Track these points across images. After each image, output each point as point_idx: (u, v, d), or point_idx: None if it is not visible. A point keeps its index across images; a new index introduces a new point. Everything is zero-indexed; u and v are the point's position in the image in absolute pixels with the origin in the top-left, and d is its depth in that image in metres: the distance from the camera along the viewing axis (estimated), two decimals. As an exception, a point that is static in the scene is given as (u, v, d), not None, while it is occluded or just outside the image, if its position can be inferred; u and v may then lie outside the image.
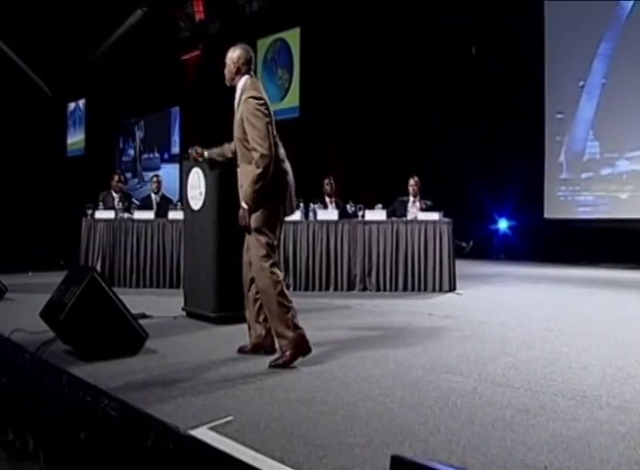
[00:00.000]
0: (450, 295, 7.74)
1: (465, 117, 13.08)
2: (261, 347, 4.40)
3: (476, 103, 13.04)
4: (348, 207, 8.47)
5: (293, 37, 16.57)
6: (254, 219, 4.20)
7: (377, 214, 8.23)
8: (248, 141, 4.25)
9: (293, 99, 16.37)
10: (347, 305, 6.83)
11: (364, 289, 8.00)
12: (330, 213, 8.37)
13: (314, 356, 4.22)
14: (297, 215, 8.24)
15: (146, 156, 20.66)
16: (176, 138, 19.53)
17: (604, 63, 12.38)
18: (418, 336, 5.12)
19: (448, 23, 13.37)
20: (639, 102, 11.74)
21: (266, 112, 4.29)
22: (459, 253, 9.41)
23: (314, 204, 8.49)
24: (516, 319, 5.95)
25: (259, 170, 4.13)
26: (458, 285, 8.03)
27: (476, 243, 11.71)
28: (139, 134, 20.94)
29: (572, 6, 12.57)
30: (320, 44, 15.47)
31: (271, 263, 4.19)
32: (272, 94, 16.91)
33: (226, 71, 4.53)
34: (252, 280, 4.36)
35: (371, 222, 8.08)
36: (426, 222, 8.05)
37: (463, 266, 9.26)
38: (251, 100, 4.29)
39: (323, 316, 6.13)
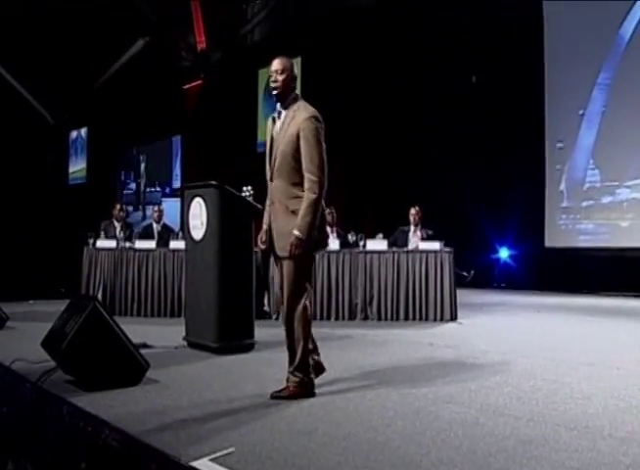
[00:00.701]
0: (451, 324, 7.73)
1: (466, 147, 13.16)
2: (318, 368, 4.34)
3: (476, 132, 13.13)
4: (350, 236, 8.49)
5: (294, 67, 16.70)
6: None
7: (378, 244, 8.25)
8: (298, 160, 4.02)
9: (293, 129, 16.46)
10: (349, 335, 6.82)
11: (365, 318, 8.00)
12: (331, 243, 8.37)
13: (316, 387, 4.20)
14: (297, 245, 8.27)
15: (148, 190, 20.75)
16: (177, 171, 19.64)
17: (603, 92, 12.50)
18: (419, 366, 5.11)
19: (449, 52, 13.53)
20: (638, 130, 11.83)
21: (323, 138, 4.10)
22: (460, 282, 9.43)
23: (315, 233, 8.50)
24: (517, 349, 5.94)
25: (315, 196, 3.97)
26: (459, 314, 8.02)
27: (477, 272, 11.74)
28: (142, 166, 21.04)
29: (572, 36, 12.72)
30: (321, 74, 15.61)
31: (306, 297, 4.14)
32: (273, 124, 17.02)
33: (281, 80, 4.17)
34: None
35: (372, 252, 8.09)
36: (427, 252, 8.06)
37: (464, 296, 9.25)
38: (314, 121, 4.06)
39: (324, 346, 6.06)
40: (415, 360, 5.36)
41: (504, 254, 13.49)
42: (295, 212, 4.00)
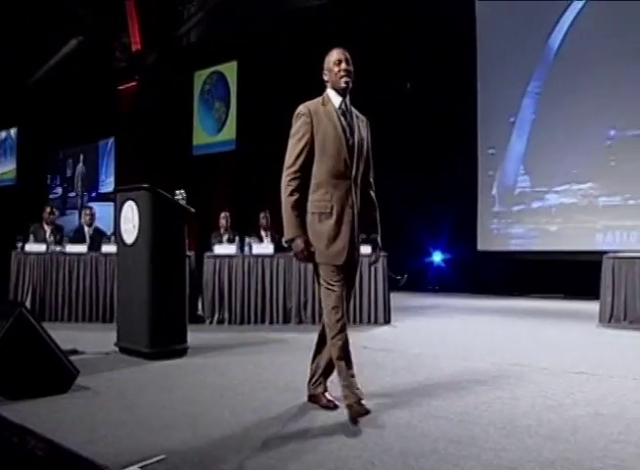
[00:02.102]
0: (385, 327, 7.81)
1: (400, 152, 13.32)
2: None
3: (410, 138, 13.31)
4: (284, 240, 8.49)
5: (230, 70, 16.68)
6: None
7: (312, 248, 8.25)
8: (368, 166, 3.92)
9: (229, 132, 16.43)
10: (283, 339, 6.82)
11: (300, 322, 8.01)
12: (265, 247, 8.37)
13: (248, 395, 4.19)
14: (232, 249, 8.26)
15: (73, 194, 20.31)
16: (104, 177, 19.30)
17: (533, 100, 12.84)
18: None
19: (384, 58, 13.68)
20: (566, 138, 12.21)
21: None
22: (394, 285, 9.54)
23: (250, 237, 8.50)
24: (449, 351, 6.04)
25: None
26: (393, 317, 8.12)
27: (410, 276, 11.90)
28: (68, 170, 20.60)
29: (504, 45, 13.03)
30: (257, 77, 15.61)
31: None
32: (208, 127, 16.97)
33: (352, 71, 3.83)
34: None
35: (307, 256, 8.09)
36: (361, 256, 8.09)
37: (398, 299, 9.37)
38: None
39: (259, 351, 6.11)
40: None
41: (437, 257, 13.70)
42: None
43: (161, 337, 5.58)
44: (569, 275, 11.72)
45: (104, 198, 18.48)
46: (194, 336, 6.10)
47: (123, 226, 5.85)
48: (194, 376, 4.93)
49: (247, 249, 8.25)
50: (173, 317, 5.70)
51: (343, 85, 3.77)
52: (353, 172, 3.71)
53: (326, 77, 3.87)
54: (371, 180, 3.96)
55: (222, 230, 9.58)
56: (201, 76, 17.46)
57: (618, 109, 11.78)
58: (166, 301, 5.61)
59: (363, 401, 3.56)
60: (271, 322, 8.01)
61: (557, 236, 12.43)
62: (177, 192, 6.17)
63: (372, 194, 3.97)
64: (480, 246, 13.28)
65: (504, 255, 13.05)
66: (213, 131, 16.89)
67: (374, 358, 5.66)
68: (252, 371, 5.09)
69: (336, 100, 3.79)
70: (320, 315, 7.92)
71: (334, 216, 3.66)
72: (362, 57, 14.86)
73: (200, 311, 8.24)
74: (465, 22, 13.17)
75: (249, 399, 4.15)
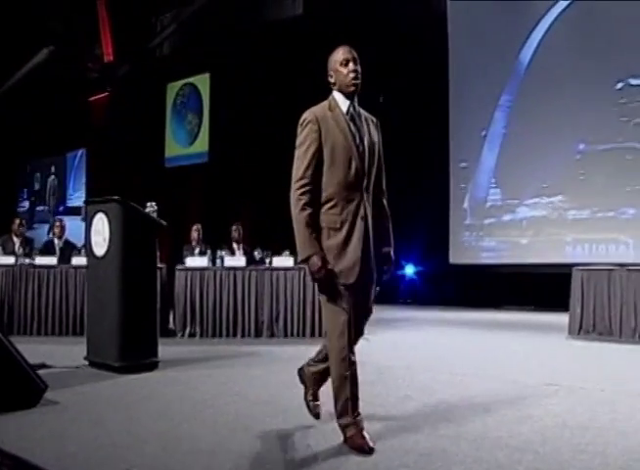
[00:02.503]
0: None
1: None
2: None
3: (383, 151, 13.37)
4: (256, 253, 8.50)
5: (202, 82, 16.67)
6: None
7: (284, 261, 8.28)
8: (380, 173, 3.64)
9: (202, 144, 16.40)
10: (255, 352, 6.80)
11: (272, 335, 7.99)
12: (237, 260, 8.36)
13: (219, 408, 4.17)
14: (203, 262, 8.24)
15: (42, 208, 20.08)
16: (72, 191, 19.12)
17: (504, 114, 13.01)
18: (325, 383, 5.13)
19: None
20: (537, 152, 12.37)
21: None
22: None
23: (221, 250, 8.47)
24: (421, 363, 6.07)
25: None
26: (366, 330, 8.07)
27: (382, 288, 11.90)
28: (36, 184, 20.37)
29: (475, 59, 13.19)
30: (230, 90, 15.61)
31: None
32: (181, 139, 16.92)
33: (360, 74, 3.54)
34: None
35: (278, 269, 8.11)
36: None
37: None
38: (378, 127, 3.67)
39: (230, 364, 6.09)
40: (320, 377, 5.38)
41: (409, 270, 13.76)
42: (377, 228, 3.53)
43: (132, 350, 5.53)
44: (539, 287, 11.86)
45: (72, 212, 18.27)
46: (165, 349, 6.06)
47: (94, 239, 5.80)
48: (165, 390, 4.89)
49: (218, 262, 8.22)
50: (144, 331, 5.66)
51: (353, 88, 3.48)
52: (365, 182, 3.42)
53: (332, 79, 3.56)
54: (383, 187, 3.66)
55: (194, 243, 9.54)
56: (173, 88, 17.43)
57: (588, 123, 11.97)
58: (137, 314, 5.57)
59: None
60: (243, 335, 7.98)
61: (527, 249, 12.56)
62: (148, 204, 6.14)
63: (384, 203, 3.65)
64: (452, 259, 13.37)
65: (476, 267, 13.16)
66: (186, 143, 16.86)
67: (346, 371, 5.65)
68: (224, 385, 5.07)
69: (343, 104, 3.50)
70: (292, 328, 7.97)
71: (343, 231, 3.35)
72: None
73: (171, 325, 8.18)
74: (437, 36, 13.33)
75: (220, 412, 4.12)
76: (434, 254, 13.15)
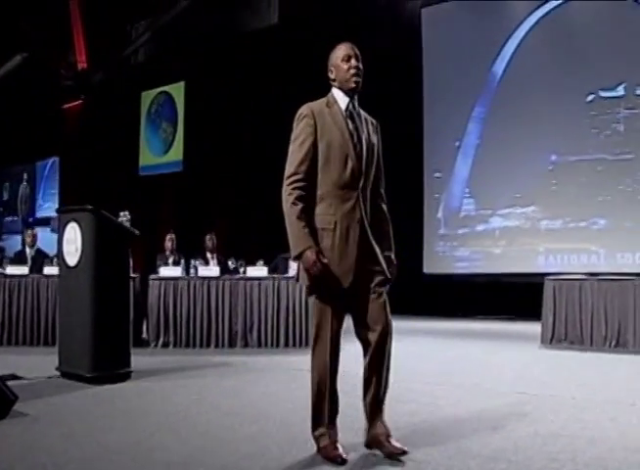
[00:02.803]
0: (331, 350, 7.81)
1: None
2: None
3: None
4: (230, 263, 8.48)
5: (177, 91, 16.64)
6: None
7: (258, 271, 8.27)
8: (378, 175, 3.51)
9: (176, 153, 16.35)
10: (228, 363, 6.77)
11: (246, 345, 7.96)
12: (211, 270, 8.33)
13: (192, 419, 4.14)
14: (177, 271, 8.20)
15: (10, 218, 19.84)
16: (42, 201, 18.91)
17: (478, 125, 13.14)
18: (297, 393, 5.13)
19: (326, 83, 13.80)
20: (510, 162, 12.51)
21: None
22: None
23: (195, 260, 8.43)
24: (395, 372, 6.06)
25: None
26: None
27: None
28: (5, 195, 20.12)
29: (449, 71, 13.30)
30: (205, 99, 15.58)
31: None
32: (155, 147, 16.85)
33: (361, 72, 3.46)
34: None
35: (252, 279, 8.09)
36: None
37: (344, 321, 9.37)
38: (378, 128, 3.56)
39: (204, 375, 6.06)
40: (294, 388, 5.37)
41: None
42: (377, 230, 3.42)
43: (104, 361, 5.48)
44: (512, 297, 11.95)
45: (41, 222, 18.04)
46: (138, 360, 6.01)
47: (66, 248, 5.75)
48: (137, 400, 4.86)
49: (192, 271, 8.20)
50: (116, 341, 5.61)
51: (353, 85, 3.38)
52: (361, 183, 3.29)
53: (332, 75, 3.46)
54: (382, 191, 3.54)
55: (168, 252, 9.49)
56: (148, 97, 17.37)
57: (560, 135, 12.13)
58: (109, 324, 5.52)
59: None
60: (217, 346, 7.93)
61: (501, 258, 12.67)
62: (121, 213, 6.11)
63: (383, 206, 3.52)
64: (426, 268, 13.44)
65: (449, 277, 13.24)
66: (160, 152, 16.79)
67: (319, 381, 5.65)
68: (197, 395, 5.04)
69: (342, 101, 3.39)
70: (266, 338, 7.95)
71: (337, 233, 3.21)
72: (310, 80, 15.01)
73: (144, 335, 8.12)
74: (411, 47, 13.44)
75: (193, 423, 4.10)
76: (407, 263, 13.07)
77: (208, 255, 9.34)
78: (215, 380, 5.75)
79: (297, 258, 3.21)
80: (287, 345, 7.95)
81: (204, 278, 8.07)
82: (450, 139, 13.31)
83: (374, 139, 3.45)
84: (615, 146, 11.72)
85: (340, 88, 3.42)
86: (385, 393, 3.52)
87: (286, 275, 8.41)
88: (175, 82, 16.64)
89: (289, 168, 3.29)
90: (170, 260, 9.27)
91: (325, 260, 3.16)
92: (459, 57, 13.17)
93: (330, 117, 3.33)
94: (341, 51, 3.45)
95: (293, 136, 3.34)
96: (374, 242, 3.33)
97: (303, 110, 3.36)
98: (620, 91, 11.74)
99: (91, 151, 17.00)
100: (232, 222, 14.54)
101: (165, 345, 7.89)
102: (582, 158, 12.00)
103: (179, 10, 15.25)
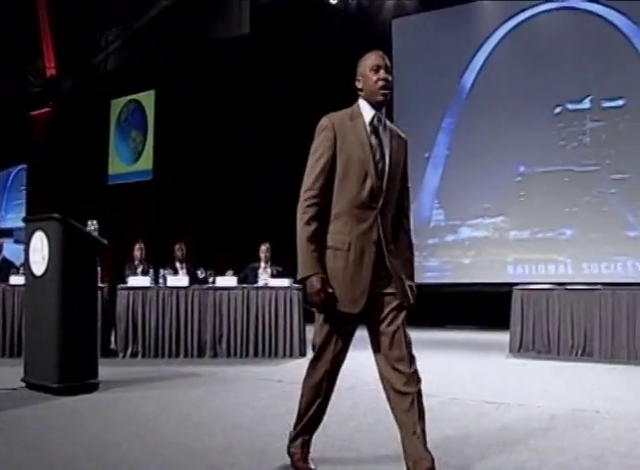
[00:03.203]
0: (301, 360, 7.80)
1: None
2: None
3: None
4: (199, 273, 8.44)
5: (147, 99, 16.56)
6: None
7: (228, 281, 8.25)
8: (400, 193, 3.18)
9: (146, 162, 16.26)
10: (197, 373, 6.73)
11: (215, 355, 7.92)
12: (180, 280, 8.28)
13: (160, 430, 4.11)
14: (146, 281, 8.14)
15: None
16: (4, 213, 18.65)
17: (447, 136, 13.27)
18: (266, 403, 5.12)
19: (303, 91, 13.86)
20: (479, 173, 12.64)
21: None
22: (310, 318, 9.55)
23: (164, 269, 8.38)
24: (363, 382, 6.08)
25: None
26: (309, 350, 8.12)
27: (327, 308, 11.93)
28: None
29: (419, 82, 13.42)
30: (175, 107, 15.53)
31: None
32: (125, 156, 16.74)
33: (390, 84, 3.18)
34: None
35: (222, 288, 8.07)
36: (276, 289, 8.14)
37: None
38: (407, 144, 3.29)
39: (172, 385, 6.01)
40: (263, 397, 5.36)
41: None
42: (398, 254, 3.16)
43: (71, 371, 5.41)
44: (481, 307, 12.05)
45: (4, 234, 17.73)
46: (106, 370, 5.95)
47: (32, 257, 5.68)
48: (104, 412, 4.80)
49: (161, 281, 8.15)
50: (84, 351, 5.55)
51: (381, 98, 3.13)
52: (381, 203, 3.02)
53: (359, 85, 3.21)
54: (407, 212, 3.25)
55: (136, 262, 9.43)
56: (118, 105, 17.26)
57: (528, 146, 12.30)
58: (77, 334, 5.46)
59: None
60: (186, 356, 7.88)
61: (470, 269, 12.79)
62: (89, 222, 6.05)
63: (408, 230, 3.25)
64: (396, 278, 13.49)
65: (419, 287, 13.19)
66: (130, 161, 16.68)
67: (288, 391, 5.64)
68: (166, 406, 5.00)
69: (368, 113, 3.14)
70: (235, 348, 7.92)
71: (351, 254, 2.99)
72: (281, 90, 15.11)
73: (112, 345, 8.05)
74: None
75: (161, 434, 4.06)
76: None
77: (178, 264, 9.29)
78: (184, 390, 5.71)
79: (302, 281, 3.01)
80: (256, 355, 7.94)
81: (172, 288, 8.02)
82: (420, 150, 13.40)
83: (399, 156, 3.16)
84: (581, 157, 11.93)
85: (366, 99, 3.17)
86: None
87: (255, 285, 8.40)
88: (145, 91, 16.56)
89: (305, 183, 3.09)
90: (139, 270, 9.21)
91: (330, 290, 2.95)
92: (429, 68, 13.31)
93: (352, 130, 3.08)
94: (370, 60, 3.18)
95: (312, 149, 3.14)
96: (392, 267, 3.06)
97: (324, 122, 3.13)
98: (587, 104, 11.95)
99: (59, 159, 16.82)
100: (201, 232, 14.49)
101: (134, 355, 7.82)
102: (550, 169, 12.19)
103: (150, 18, 15.21)
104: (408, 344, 3.08)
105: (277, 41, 14.09)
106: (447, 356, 8.30)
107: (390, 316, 3.06)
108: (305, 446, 3.31)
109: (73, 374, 5.43)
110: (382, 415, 4.59)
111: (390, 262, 3.04)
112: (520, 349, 8.13)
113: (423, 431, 3.07)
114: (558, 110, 12.20)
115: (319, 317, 3.10)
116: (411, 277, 3.21)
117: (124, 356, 7.80)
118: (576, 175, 11.94)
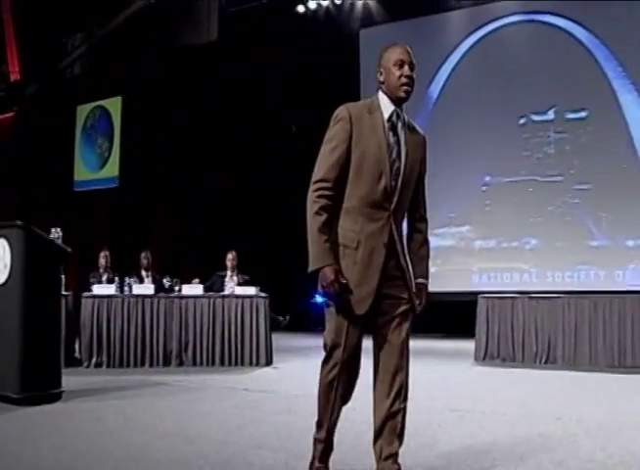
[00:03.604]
0: (267, 369, 7.79)
1: (285, 195, 13.49)
2: None
3: (296, 181, 13.47)
4: (165, 281, 8.39)
5: (114, 105, 16.44)
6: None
7: (194, 289, 8.21)
8: (415, 192, 3.19)
9: (112, 168, 16.13)
10: (163, 382, 6.67)
11: (181, 364, 7.86)
12: (146, 288, 8.22)
13: (125, 440, 4.07)
14: (111, 289, 8.07)
15: None
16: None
17: (414, 146, 13.35)
18: (232, 412, 5.10)
19: (270, 100, 13.89)
20: (445, 182, 12.71)
21: None
22: (276, 327, 9.56)
23: (130, 278, 8.31)
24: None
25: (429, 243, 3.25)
26: (275, 359, 8.11)
27: (293, 317, 11.94)
28: None
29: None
30: (142, 114, 15.44)
31: None
32: (91, 162, 16.59)
33: (413, 81, 3.06)
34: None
35: (188, 297, 8.02)
36: (243, 297, 8.12)
37: (281, 340, 9.37)
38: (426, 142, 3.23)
39: (137, 394, 5.95)
40: (228, 407, 5.34)
41: (320, 298, 13.78)
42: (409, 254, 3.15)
43: (33, 381, 5.32)
44: (447, 315, 12.12)
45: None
46: (70, 380, 5.88)
47: (-6, 265, 5.60)
48: (68, 422, 4.74)
49: (126, 289, 8.08)
50: (47, 360, 5.46)
51: (402, 95, 3.02)
52: (394, 203, 2.97)
53: (381, 77, 3.09)
54: (422, 212, 3.26)
55: (101, 270, 9.35)
56: (84, 111, 17.10)
57: (493, 156, 12.46)
58: (39, 343, 5.38)
59: None
60: (151, 365, 7.81)
61: (436, 277, 12.68)
62: (53, 230, 5.98)
63: (423, 229, 3.23)
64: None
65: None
66: (96, 167, 16.53)
67: (254, 400, 5.64)
68: (130, 415, 4.95)
69: (387, 109, 3.03)
70: (202, 357, 7.87)
71: (360, 254, 2.90)
72: (248, 99, 15.09)
73: (77, 354, 7.94)
74: (349, 68, 13.60)
75: (125, 444, 4.02)
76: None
77: (143, 272, 9.24)
78: (149, 400, 5.66)
79: (315, 273, 2.88)
80: (222, 363, 7.90)
81: (138, 296, 7.95)
82: (387, 159, 13.48)
83: (417, 155, 3.12)
84: (545, 168, 12.12)
85: (386, 94, 3.05)
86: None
87: (222, 293, 8.37)
88: (112, 97, 16.43)
89: (317, 173, 2.96)
90: (104, 278, 9.13)
91: (344, 281, 2.87)
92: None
93: (369, 124, 2.97)
94: (395, 54, 3.04)
95: (326, 138, 3.02)
96: (405, 268, 3.03)
97: (341, 111, 3.02)
98: (551, 115, 12.14)
99: (23, 165, 16.60)
100: (168, 240, 14.40)
101: (99, 364, 7.74)
102: (515, 179, 12.35)
103: (117, 23, 15.10)
104: (405, 356, 3.17)
105: (245, 49, 14.09)
106: (413, 364, 8.30)
107: (395, 323, 3.05)
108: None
109: (36, 384, 5.34)
110: (344, 420, 4.61)
111: (396, 264, 2.99)
112: (485, 357, 8.21)
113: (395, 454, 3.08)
114: (523, 121, 12.38)
115: (330, 316, 3.01)
116: (424, 275, 3.17)
117: (89, 366, 7.70)
118: (541, 185, 12.11)
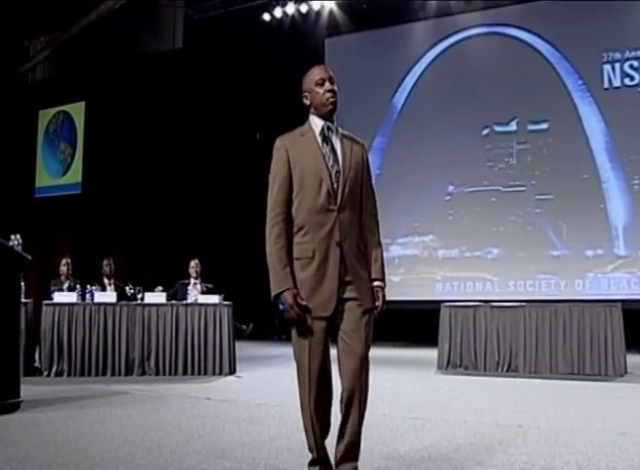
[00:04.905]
0: (230, 378, 7.76)
1: (250, 202, 13.46)
2: None
3: (261, 188, 13.47)
4: (127, 289, 8.30)
5: (77, 111, 16.28)
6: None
7: (156, 297, 8.15)
8: (362, 195, 3.24)
9: (75, 175, 15.95)
10: (125, 391, 6.61)
11: (143, 373, 7.79)
12: (108, 296, 8.14)
13: (84, 451, 4.02)
14: (72, 297, 7.97)
15: None
16: None
17: (378, 155, 13.45)
18: (194, 422, 5.06)
19: (235, 107, 13.87)
20: (409, 192, 12.87)
21: None
22: (240, 335, 9.53)
23: (92, 285, 8.22)
24: (292, 401, 6.05)
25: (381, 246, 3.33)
26: (238, 367, 8.08)
27: (257, 325, 11.91)
28: None
29: (351, 102, 13.52)
30: (106, 120, 15.31)
31: None
32: (53, 168, 16.39)
33: (337, 94, 3.30)
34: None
35: (150, 305, 7.96)
36: (206, 305, 8.08)
37: (244, 349, 9.34)
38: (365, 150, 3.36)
39: (98, 404, 5.88)
40: (190, 416, 5.30)
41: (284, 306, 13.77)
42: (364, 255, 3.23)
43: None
44: (410, 324, 12.22)
45: None
46: (29, 389, 5.81)
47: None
48: (26, 432, 4.66)
49: (88, 297, 7.98)
50: (5, 369, 5.38)
51: (331, 107, 3.23)
52: (339, 201, 3.09)
53: (307, 101, 3.30)
54: (372, 213, 3.28)
55: (63, 277, 9.23)
56: (46, 116, 16.90)
57: (456, 166, 12.60)
58: (-1, 350, 5.30)
59: None
60: (113, 374, 7.73)
61: (400, 286, 12.94)
62: (12, 237, 5.90)
63: (374, 229, 3.28)
64: (328, 296, 13.55)
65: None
66: (58, 174, 16.33)
67: (216, 410, 5.61)
68: (90, 426, 4.89)
69: (317, 126, 3.23)
70: (164, 366, 7.81)
71: (316, 260, 3.05)
72: (213, 106, 15.06)
73: (37, 363, 7.82)
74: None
75: (84, 455, 3.96)
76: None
77: (105, 280, 9.14)
78: (110, 409, 5.59)
79: (276, 297, 3.07)
80: (185, 372, 7.85)
81: (100, 304, 7.86)
82: (352, 169, 13.55)
83: (356, 159, 3.21)
84: (507, 178, 12.30)
85: (316, 113, 3.27)
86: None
87: (185, 302, 8.32)
88: (75, 102, 16.26)
89: (269, 204, 3.18)
90: (65, 286, 9.01)
91: (304, 303, 3.02)
92: (361, 88, 13.48)
93: (302, 145, 3.19)
94: (314, 75, 3.28)
95: (270, 171, 3.24)
96: (358, 267, 3.15)
97: (277, 143, 3.23)
98: (513, 126, 12.34)
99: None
100: (130, 247, 14.27)
101: (59, 373, 7.63)
102: (477, 189, 12.50)
103: (81, 27, 14.96)
104: (366, 346, 3.28)
105: (210, 56, 14.07)
106: (375, 373, 8.32)
107: (357, 323, 3.19)
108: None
109: (-6, 392, 5.27)
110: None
111: (353, 264, 3.11)
112: (447, 365, 8.27)
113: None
114: (486, 131, 12.55)
115: (294, 333, 3.14)
116: (379, 275, 3.25)
117: (49, 375, 7.59)
118: (503, 195, 12.28)
